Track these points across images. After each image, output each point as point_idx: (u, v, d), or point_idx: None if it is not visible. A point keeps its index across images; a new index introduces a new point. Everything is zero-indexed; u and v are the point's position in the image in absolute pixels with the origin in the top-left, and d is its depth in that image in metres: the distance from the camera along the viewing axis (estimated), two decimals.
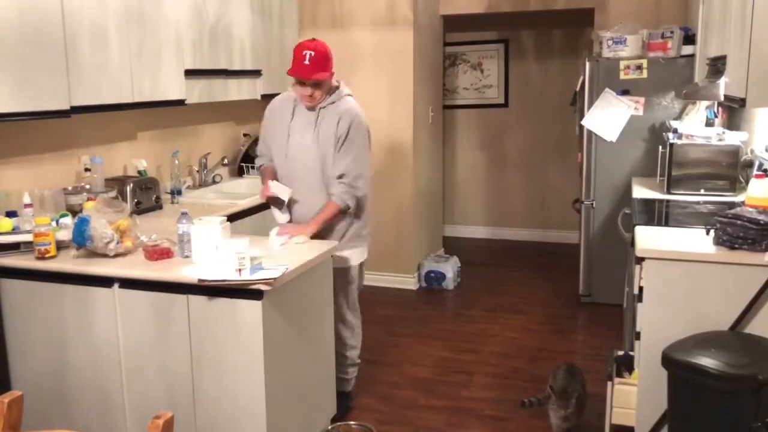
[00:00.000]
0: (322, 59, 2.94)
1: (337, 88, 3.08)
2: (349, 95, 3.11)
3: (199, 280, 2.42)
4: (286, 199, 3.11)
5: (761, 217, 2.46)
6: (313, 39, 3.03)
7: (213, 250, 2.53)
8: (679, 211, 3.33)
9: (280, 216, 3.17)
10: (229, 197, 4.00)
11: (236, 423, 2.52)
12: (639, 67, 4.46)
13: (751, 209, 2.57)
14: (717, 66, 3.14)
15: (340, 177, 3.02)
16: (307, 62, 2.93)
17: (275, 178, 3.18)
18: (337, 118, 3.01)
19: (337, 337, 3.13)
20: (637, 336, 2.70)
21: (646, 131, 4.52)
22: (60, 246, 2.74)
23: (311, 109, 3.05)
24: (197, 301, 2.48)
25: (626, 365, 3.01)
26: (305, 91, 2.98)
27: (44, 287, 2.69)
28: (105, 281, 2.60)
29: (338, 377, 3.19)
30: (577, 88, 4.81)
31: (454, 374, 3.76)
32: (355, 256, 3.21)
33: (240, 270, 2.39)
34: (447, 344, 4.18)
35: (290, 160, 3.11)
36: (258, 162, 3.36)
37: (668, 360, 2.32)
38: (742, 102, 2.54)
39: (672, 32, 4.41)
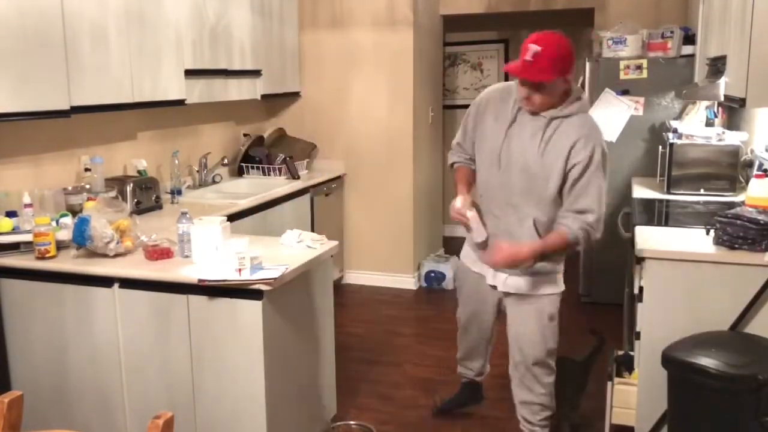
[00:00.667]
0: (551, 57, 2.41)
1: (578, 99, 2.56)
2: (589, 113, 2.63)
3: (199, 280, 2.42)
4: (479, 240, 2.71)
5: (761, 217, 2.46)
6: (550, 33, 2.48)
7: (213, 250, 2.53)
8: (679, 211, 3.33)
9: (480, 234, 2.71)
10: (229, 197, 4.00)
11: (236, 423, 2.52)
12: (639, 67, 4.46)
13: (751, 209, 2.57)
14: (717, 66, 3.14)
15: (582, 213, 2.53)
16: (528, 58, 2.43)
17: (470, 183, 2.79)
18: (576, 137, 2.49)
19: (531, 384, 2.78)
20: (637, 336, 2.70)
21: (646, 131, 4.52)
22: (60, 246, 2.74)
23: (536, 114, 2.56)
24: (197, 301, 2.48)
25: (626, 365, 3.01)
26: (522, 92, 2.52)
27: (44, 287, 2.69)
28: (105, 281, 2.60)
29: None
30: None
31: (454, 374, 3.75)
32: (555, 285, 2.77)
33: (240, 270, 2.39)
34: (447, 344, 4.17)
35: (502, 170, 2.62)
36: (452, 157, 2.92)
37: (668, 360, 2.32)
38: (742, 102, 2.54)
39: (672, 32, 4.41)
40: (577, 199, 2.53)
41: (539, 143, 2.54)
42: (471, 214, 2.67)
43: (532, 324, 2.74)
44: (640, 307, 2.66)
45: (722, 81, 2.86)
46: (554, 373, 2.82)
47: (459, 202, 2.68)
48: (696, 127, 3.88)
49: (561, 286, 2.79)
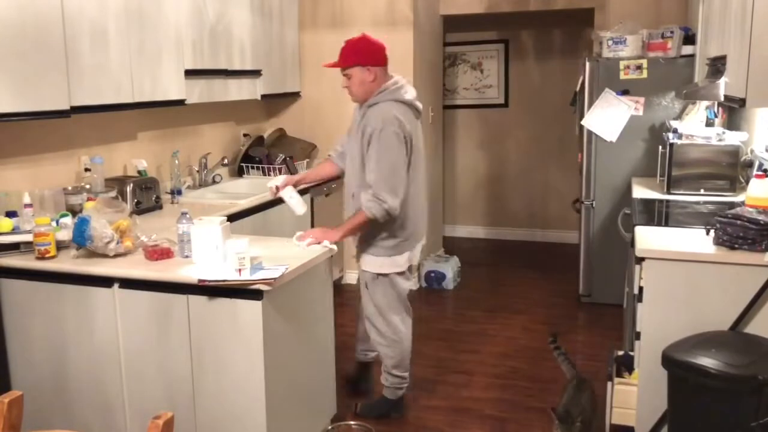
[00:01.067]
0: (350, 48, 2.96)
1: (386, 90, 2.95)
2: (395, 100, 2.94)
3: (199, 280, 2.42)
4: (298, 214, 3.17)
5: (761, 217, 2.46)
6: (360, 35, 3.04)
7: (213, 250, 2.53)
8: (679, 211, 3.33)
9: (298, 207, 3.14)
10: (229, 197, 4.00)
11: (236, 423, 2.53)
12: (639, 67, 4.46)
13: (751, 209, 2.57)
14: (717, 66, 3.14)
15: (370, 186, 2.89)
16: (340, 51, 2.99)
17: (318, 173, 3.43)
18: (372, 121, 2.90)
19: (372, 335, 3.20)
20: (637, 336, 2.70)
21: (646, 131, 4.52)
22: (60, 246, 2.74)
23: (361, 106, 3.03)
24: (197, 301, 2.48)
25: (626, 365, 3.01)
26: (342, 83, 3.03)
27: (44, 287, 2.69)
28: (105, 281, 2.60)
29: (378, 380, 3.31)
30: (577, 88, 4.81)
31: (454, 374, 3.76)
32: (370, 263, 3.08)
33: (240, 270, 2.39)
34: (447, 344, 4.18)
35: (347, 160, 3.11)
36: (331, 152, 3.38)
37: (668, 360, 2.32)
38: (742, 102, 2.54)
39: (672, 32, 4.41)
40: (368, 174, 2.91)
41: (356, 132, 3.01)
42: (283, 192, 3.15)
43: (362, 290, 3.18)
44: (640, 307, 2.66)
45: (722, 81, 2.86)
46: (382, 335, 3.16)
47: (277, 180, 3.19)
48: (696, 127, 3.88)
49: (384, 267, 3.07)
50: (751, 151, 3.56)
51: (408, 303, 3.22)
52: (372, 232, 3.03)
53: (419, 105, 3.07)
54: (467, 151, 6.80)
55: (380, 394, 3.32)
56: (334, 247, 2.84)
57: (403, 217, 3.00)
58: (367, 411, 3.28)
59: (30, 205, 2.97)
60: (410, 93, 3.02)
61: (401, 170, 2.91)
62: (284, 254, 2.69)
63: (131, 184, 3.50)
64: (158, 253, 2.64)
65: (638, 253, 2.63)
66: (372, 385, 3.47)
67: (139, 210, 3.49)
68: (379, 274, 3.07)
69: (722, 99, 2.92)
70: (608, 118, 4.53)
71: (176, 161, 4.07)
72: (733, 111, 4.03)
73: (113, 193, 3.34)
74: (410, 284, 3.22)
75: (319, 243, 2.82)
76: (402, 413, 3.29)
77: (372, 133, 2.89)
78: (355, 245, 3.15)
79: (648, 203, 3.53)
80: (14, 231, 2.78)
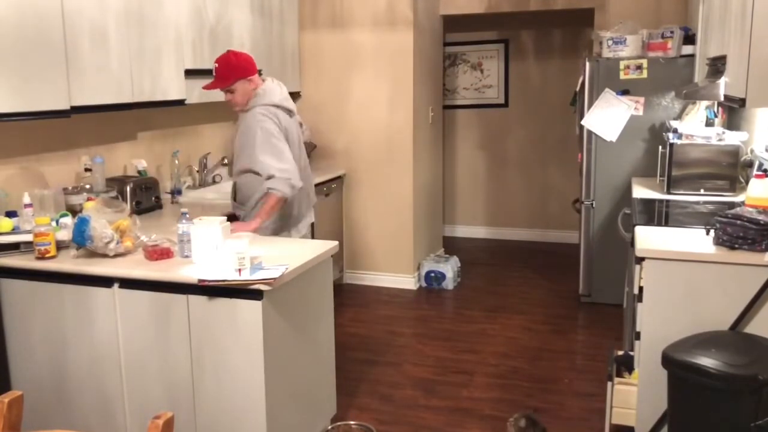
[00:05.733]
0: (228, 65, 3.22)
1: (257, 95, 3.24)
2: (264, 104, 3.21)
3: (199, 280, 2.42)
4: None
5: (761, 217, 2.46)
6: (226, 52, 3.32)
7: (213, 250, 2.53)
8: (679, 211, 3.33)
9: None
10: (229, 197, 3.99)
11: (236, 423, 2.53)
12: (639, 67, 4.46)
13: (751, 209, 2.57)
14: (717, 66, 3.14)
15: (267, 176, 3.12)
16: (214, 74, 3.24)
17: None
18: (248, 125, 3.20)
19: None
20: (637, 336, 2.70)
21: (646, 131, 4.52)
22: (60, 246, 2.74)
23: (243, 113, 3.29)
24: (197, 301, 2.48)
25: (626, 365, 3.01)
26: (226, 98, 3.29)
27: (44, 287, 2.69)
28: (105, 281, 2.60)
29: None
30: (577, 88, 4.82)
31: (454, 374, 3.76)
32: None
33: (240, 270, 2.39)
34: (447, 344, 4.18)
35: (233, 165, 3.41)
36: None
37: (668, 360, 2.32)
38: (742, 102, 2.54)
39: (672, 32, 4.41)
40: (258, 165, 3.14)
41: (236, 135, 3.31)
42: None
43: None
44: (640, 307, 2.66)
45: (722, 81, 2.86)
46: None
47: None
48: (696, 127, 3.88)
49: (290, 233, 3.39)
50: (751, 151, 3.56)
51: None
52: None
53: (289, 105, 3.35)
54: (467, 151, 6.80)
55: None
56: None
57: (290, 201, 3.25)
58: None
59: (30, 205, 2.97)
60: (278, 95, 3.29)
61: (287, 152, 3.17)
62: (284, 254, 2.69)
63: (131, 184, 3.50)
64: (158, 253, 2.64)
65: (638, 253, 2.63)
66: None
67: (139, 210, 3.49)
68: None
69: (722, 99, 2.92)
70: (608, 118, 4.54)
71: (176, 161, 4.07)
72: (733, 111, 4.03)
73: (113, 193, 3.34)
74: None
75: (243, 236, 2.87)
76: None
77: (254, 129, 3.15)
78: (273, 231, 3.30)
79: (648, 203, 3.53)
80: (14, 231, 2.78)
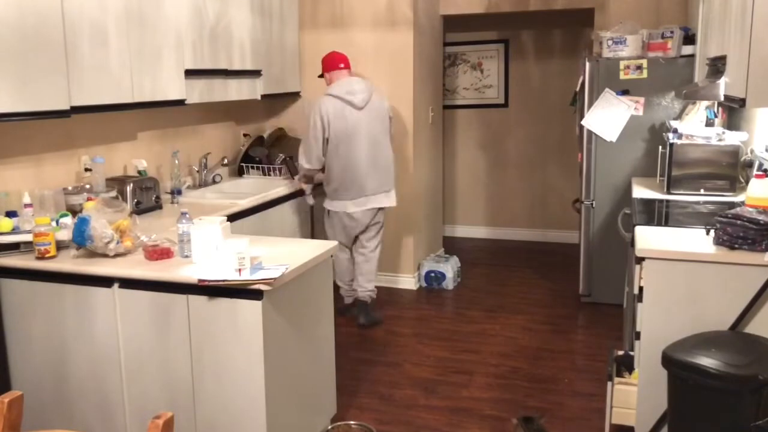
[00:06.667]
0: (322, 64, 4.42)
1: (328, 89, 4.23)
2: (328, 95, 4.17)
3: (199, 280, 2.42)
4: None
5: (761, 217, 2.46)
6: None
7: (213, 250, 2.54)
8: (679, 211, 3.33)
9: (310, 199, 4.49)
10: (229, 197, 4.00)
11: (236, 423, 2.53)
12: (639, 67, 4.46)
13: (751, 209, 2.57)
14: (717, 66, 3.14)
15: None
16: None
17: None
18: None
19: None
20: (637, 336, 2.70)
21: (646, 131, 4.52)
22: (60, 246, 2.74)
23: None
24: (197, 301, 2.48)
25: (626, 365, 3.01)
26: None
27: (44, 287, 2.69)
28: (105, 281, 2.60)
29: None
30: (577, 88, 4.81)
31: (454, 374, 3.76)
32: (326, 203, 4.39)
33: (240, 270, 2.39)
34: (447, 344, 4.18)
35: None
36: None
37: (668, 360, 2.32)
38: (742, 102, 2.54)
39: (672, 32, 4.41)
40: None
41: None
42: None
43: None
44: (640, 307, 2.66)
45: (722, 81, 2.86)
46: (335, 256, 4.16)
47: None
48: (696, 127, 3.88)
49: (330, 206, 4.37)
50: (751, 151, 3.56)
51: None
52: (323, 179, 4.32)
53: (351, 98, 4.13)
54: (467, 151, 6.80)
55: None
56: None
57: (329, 176, 4.23)
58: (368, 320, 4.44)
59: (30, 205, 2.97)
60: (343, 89, 4.16)
61: (310, 140, 4.17)
62: (284, 254, 2.70)
63: (131, 184, 3.50)
64: (158, 253, 2.64)
65: (638, 253, 2.63)
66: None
67: (139, 210, 3.49)
68: (329, 211, 4.36)
69: (722, 99, 2.92)
70: (608, 118, 4.54)
71: (176, 161, 4.07)
72: (733, 111, 4.03)
73: (113, 193, 3.34)
74: (352, 225, 4.34)
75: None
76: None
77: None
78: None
79: (648, 203, 3.53)
80: (14, 231, 2.78)
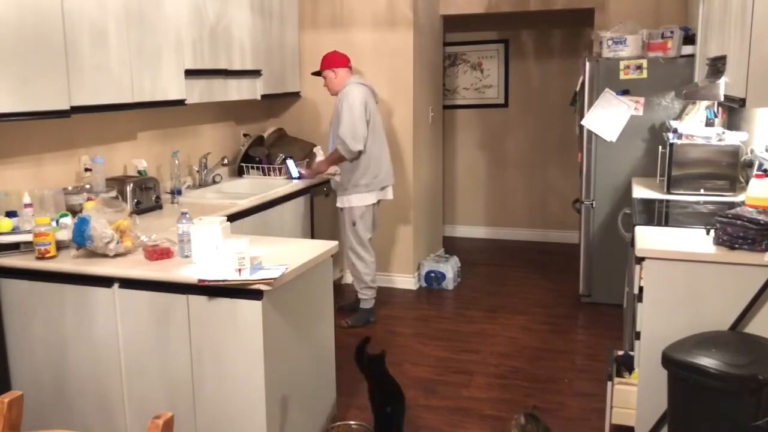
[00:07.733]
0: (323, 61, 4.41)
1: (348, 85, 4.29)
2: (357, 83, 4.29)
3: (199, 280, 2.42)
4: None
5: (761, 217, 2.46)
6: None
7: (213, 250, 2.53)
8: (679, 211, 3.33)
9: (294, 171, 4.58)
10: (229, 197, 4.00)
11: (236, 423, 2.53)
12: (639, 67, 4.46)
13: (751, 209, 2.57)
14: (717, 66, 3.14)
15: (339, 135, 4.23)
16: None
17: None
18: (341, 100, 4.25)
19: (350, 264, 4.49)
20: (637, 336, 2.70)
21: (646, 131, 4.52)
22: (60, 246, 2.74)
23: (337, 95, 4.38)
24: (197, 301, 2.48)
25: (626, 365, 3.01)
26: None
27: (44, 287, 2.69)
28: (105, 281, 2.60)
29: (358, 297, 4.53)
30: (577, 88, 4.81)
31: (454, 374, 3.76)
32: (354, 199, 4.33)
33: (240, 270, 2.39)
34: (447, 344, 4.18)
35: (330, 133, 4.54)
36: None
37: (668, 360, 2.32)
38: (742, 102, 2.54)
39: (672, 32, 4.41)
40: (339, 129, 4.22)
41: (335, 110, 4.32)
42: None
43: (348, 228, 4.44)
44: (640, 307, 2.66)
45: (722, 81, 2.86)
46: (361, 258, 4.44)
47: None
48: (696, 127, 3.88)
49: (354, 203, 4.35)
50: (751, 151, 3.56)
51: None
52: (350, 178, 4.31)
53: (374, 88, 4.40)
54: (467, 151, 6.80)
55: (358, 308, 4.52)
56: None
57: (366, 166, 4.29)
58: (356, 322, 4.45)
59: (30, 205, 2.97)
60: (365, 81, 4.37)
61: (360, 123, 4.19)
62: (284, 254, 2.69)
63: (131, 184, 3.50)
64: (158, 253, 2.64)
65: (638, 253, 2.63)
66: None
67: (139, 210, 3.49)
68: (366, 206, 4.34)
69: (722, 99, 2.92)
70: (608, 118, 4.54)
71: (176, 161, 4.07)
72: (733, 111, 4.03)
73: (113, 193, 3.34)
74: (378, 216, 4.53)
75: (317, 175, 4.54)
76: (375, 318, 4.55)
77: (342, 105, 4.20)
78: (338, 193, 4.42)
79: (648, 203, 3.53)
80: (14, 231, 2.78)
